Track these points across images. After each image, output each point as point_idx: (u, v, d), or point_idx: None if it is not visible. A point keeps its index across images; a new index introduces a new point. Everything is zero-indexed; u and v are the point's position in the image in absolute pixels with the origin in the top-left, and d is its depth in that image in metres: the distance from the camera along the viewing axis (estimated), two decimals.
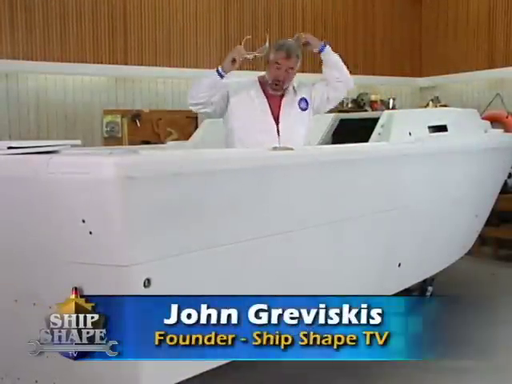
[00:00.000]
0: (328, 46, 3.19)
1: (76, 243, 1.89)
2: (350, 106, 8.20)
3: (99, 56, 6.65)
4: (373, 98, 8.41)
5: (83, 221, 1.84)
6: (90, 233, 1.84)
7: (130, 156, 1.90)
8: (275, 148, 2.55)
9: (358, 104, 8.27)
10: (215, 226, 2.14)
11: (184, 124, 7.16)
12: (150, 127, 7.03)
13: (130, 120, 6.92)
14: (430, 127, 3.88)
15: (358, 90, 8.35)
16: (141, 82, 7.05)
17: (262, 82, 3.12)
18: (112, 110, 6.87)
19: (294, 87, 3.16)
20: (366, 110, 8.33)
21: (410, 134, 3.67)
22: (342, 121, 4.30)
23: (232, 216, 2.21)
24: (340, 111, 8.32)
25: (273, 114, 3.08)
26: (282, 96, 3.11)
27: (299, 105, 3.12)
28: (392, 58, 8.67)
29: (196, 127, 7.17)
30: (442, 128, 3.96)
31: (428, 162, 3.49)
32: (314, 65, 7.61)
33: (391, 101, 8.54)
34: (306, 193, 2.58)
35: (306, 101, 3.12)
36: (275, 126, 3.06)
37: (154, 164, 1.89)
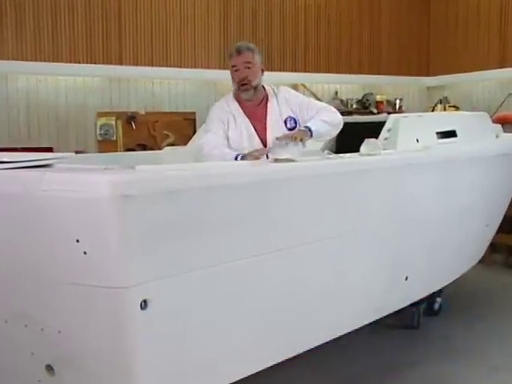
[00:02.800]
0: (314, 129, 3.12)
1: (69, 263, 1.89)
2: (354, 106, 8.24)
3: (93, 56, 6.67)
4: (378, 98, 8.44)
5: (77, 240, 1.85)
6: (85, 253, 1.85)
7: (125, 173, 1.91)
8: (276, 160, 2.57)
9: (363, 105, 8.30)
10: (216, 244, 2.16)
11: (181, 127, 7.18)
12: (145, 130, 7.05)
13: (125, 122, 6.95)
14: (438, 133, 3.89)
15: (363, 90, 8.38)
16: (136, 83, 7.07)
17: (238, 97, 3.16)
18: (106, 112, 6.89)
19: (273, 91, 3.18)
20: (371, 111, 8.36)
21: (417, 140, 3.68)
22: (345, 124, 4.31)
23: (233, 232, 2.22)
24: (344, 112, 8.37)
25: (259, 135, 3.09)
26: (265, 111, 3.09)
27: (286, 125, 3.13)
28: (399, 57, 8.69)
29: (194, 130, 7.21)
30: (450, 133, 3.97)
31: (436, 170, 3.50)
32: (295, 63, 7.71)
33: (398, 101, 8.57)
34: (310, 206, 2.60)
35: (294, 120, 3.13)
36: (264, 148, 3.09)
37: (152, 181, 1.89)
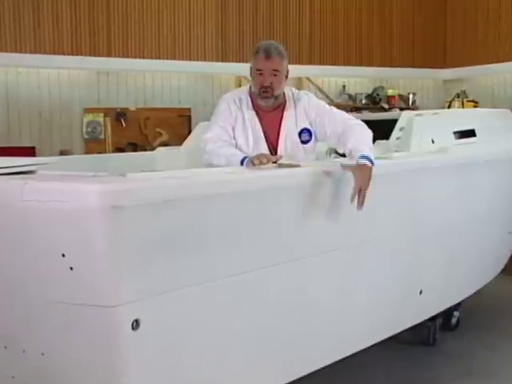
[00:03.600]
0: (376, 162, 2.77)
1: (55, 280, 1.90)
2: (363, 102, 8.22)
3: (78, 46, 6.64)
4: (390, 92, 8.42)
5: (63, 255, 1.85)
6: (71, 268, 1.86)
7: (115, 181, 1.91)
8: (280, 165, 2.57)
9: (373, 100, 8.28)
10: (215, 257, 2.16)
11: (176, 124, 7.18)
12: (136, 127, 7.04)
13: (114, 119, 6.93)
14: (455, 132, 3.90)
15: (374, 84, 8.37)
16: (126, 76, 7.06)
17: (253, 98, 3.08)
18: (93, 108, 6.88)
19: (293, 97, 3.10)
20: (382, 107, 8.35)
21: (432, 141, 3.69)
22: None
23: (233, 244, 2.23)
24: (353, 108, 8.37)
25: (269, 143, 3.03)
26: (281, 118, 3.04)
27: (300, 137, 3.08)
28: (412, 46, 8.67)
29: (189, 127, 7.20)
30: (469, 133, 3.98)
31: (454, 174, 3.50)
32: (299, 55, 7.69)
33: (411, 96, 8.55)
34: (317, 215, 2.60)
35: (310, 132, 3.08)
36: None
37: (144, 190, 1.90)
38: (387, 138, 3.83)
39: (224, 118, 3.05)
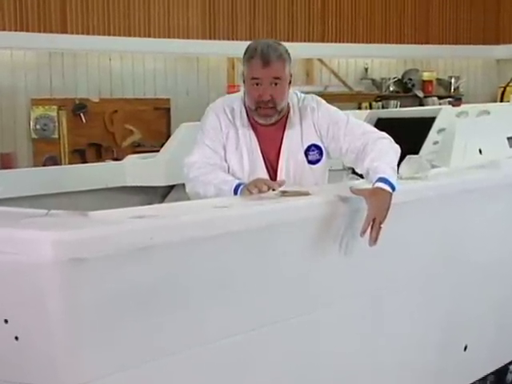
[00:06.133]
0: (398, 187, 2.76)
1: None
2: (391, 89, 8.29)
3: (25, 20, 6.68)
4: (426, 76, 8.47)
5: (5, 321, 1.85)
6: (16, 338, 1.85)
7: (75, 225, 1.92)
8: (284, 193, 2.58)
9: (404, 86, 8.35)
10: (203, 316, 2.17)
11: (151, 119, 7.21)
12: (100, 124, 7.07)
13: (72, 113, 6.96)
14: (510, 139, 3.91)
15: (404, 66, 8.41)
16: (87, 59, 7.09)
17: (249, 109, 3.08)
18: (44, 100, 6.91)
19: (298, 104, 3.08)
20: (415, 95, 8.40)
21: (480, 151, 3.70)
22: (380, 121, 4.33)
23: (226, 299, 2.24)
24: (378, 98, 8.39)
25: (268, 165, 3.03)
26: (282, 133, 3.04)
27: (307, 156, 3.07)
28: (456, 18, 8.71)
29: (168, 123, 7.23)
30: None
31: (508, 196, 3.51)
32: (310, 31, 7.67)
33: (453, 80, 8.60)
34: (330, 256, 2.61)
35: (320, 150, 3.07)
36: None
37: (112, 236, 1.90)
38: (421, 140, 3.84)
39: (212, 135, 3.05)
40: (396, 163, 2.93)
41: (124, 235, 1.94)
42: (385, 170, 2.76)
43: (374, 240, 2.58)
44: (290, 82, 3.02)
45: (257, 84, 2.93)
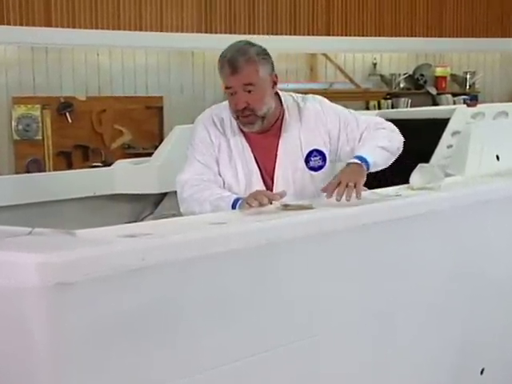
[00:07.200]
0: (371, 161, 2.92)
1: None
2: (402, 85, 8.30)
3: (6, 14, 6.68)
4: (439, 72, 8.48)
5: None
6: None
7: (61, 246, 1.92)
8: (286, 207, 2.58)
9: (416, 82, 8.35)
10: (200, 342, 2.17)
11: (142, 119, 7.22)
12: (87, 124, 7.08)
13: (57, 113, 6.97)
14: None
15: (416, 61, 8.42)
16: (73, 54, 7.10)
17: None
18: (27, 98, 6.92)
19: (297, 106, 3.09)
20: (427, 92, 8.41)
21: (497, 157, 3.71)
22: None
23: (225, 323, 2.24)
24: (388, 95, 8.40)
25: (264, 175, 3.04)
26: (277, 139, 3.04)
27: (308, 162, 3.08)
28: (471, 9, 8.73)
29: (161, 123, 7.25)
30: None
31: None
32: (313, 24, 7.64)
33: (469, 76, 8.61)
34: (337, 275, 2.62)
35: (323, 156, 3.07)
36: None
37: (102, 258, 1.91)
38: (434, 143, 3.85)
39: (203, 148, 3.07)
40: (385, 144, 3.03)
41: (114, 256, 1.94)
42: (362, 150, 2.93)
43: (340, 194, 2.67)
44: (275, 83, 3.04)
45: (231, 93, 2.96)
